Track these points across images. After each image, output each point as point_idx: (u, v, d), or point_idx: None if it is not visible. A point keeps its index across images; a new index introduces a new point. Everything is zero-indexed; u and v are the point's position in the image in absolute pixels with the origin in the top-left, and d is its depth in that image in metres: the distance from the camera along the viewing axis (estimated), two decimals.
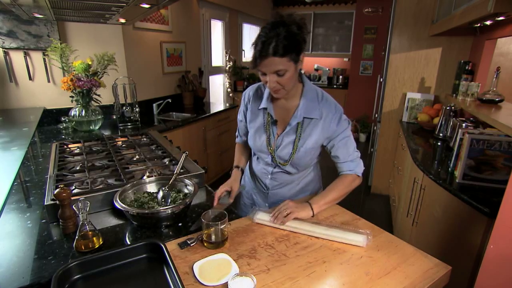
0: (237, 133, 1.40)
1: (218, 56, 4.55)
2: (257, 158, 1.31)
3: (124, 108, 2.57)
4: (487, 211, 1.22)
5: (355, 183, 1.17)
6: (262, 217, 1.07)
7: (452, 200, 1.44)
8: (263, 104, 1.17)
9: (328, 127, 1.12)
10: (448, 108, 2.27)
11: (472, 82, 2.14)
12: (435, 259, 0.89)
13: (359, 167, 1.17)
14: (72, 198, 1.05)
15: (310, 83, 1.16)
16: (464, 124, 1.79)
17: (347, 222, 1.08)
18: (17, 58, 2.31)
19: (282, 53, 0.94)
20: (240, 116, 1.31)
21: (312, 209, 1.09)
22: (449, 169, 1.66)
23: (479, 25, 2.11)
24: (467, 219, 1.36)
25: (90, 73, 2.23)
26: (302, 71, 1.14)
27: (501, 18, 1.66)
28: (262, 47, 0.94)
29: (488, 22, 1.94)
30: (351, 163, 1.16)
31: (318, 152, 1.23)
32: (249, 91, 1.25)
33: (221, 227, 0.92)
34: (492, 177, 1.44)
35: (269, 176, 1.27)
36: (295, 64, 0.99)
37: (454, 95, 2.41)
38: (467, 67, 2.37)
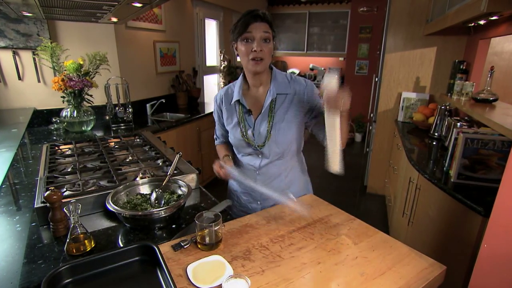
0: (215, 136, 1.49)
1: (212, 55, 4.52)
2: (242, 155, 1.31)
3: (117, 108, 2.54)
4: (481, 210, 1.22)
5: None
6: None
7: (447, 199, 1.44)
8: (235, 97, 1.22)
9: (304, 99, 1.17)
10: (443, 107, 2.28)
11: (467, 82, 2.15)
12: (430, 259, 0.89)
13: None
14: (63, 200, 1.02)
15: (277, 69, 1.24)
16: (459, 124, 1.80)
17: (342, 223, 1.07)
18: (5, 57, 2.27)
19: (269, 20, 1.08)
20: (215, 117, 1.38)
21: None
22: (444, 168, 1.66)
23: (473, 24, 2.12)
24: (462, 219, 1.36)
25: (82, 73, 2.20)
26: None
27: (494, 17, 1.68)
28: (251, 12, 1.05)
29: (481, 22, 1.95)
30: None
31: (301, 130, 1.24)
32: (220, 92, 1.31)
33: (215, 228, 0.91)
34: (487, 176, 1.44)
35: (258, 172, 1.27)
36: (273, 42, 1.11)
37: (449, 94, 2.43)
38: (461, 67, 2.38)
